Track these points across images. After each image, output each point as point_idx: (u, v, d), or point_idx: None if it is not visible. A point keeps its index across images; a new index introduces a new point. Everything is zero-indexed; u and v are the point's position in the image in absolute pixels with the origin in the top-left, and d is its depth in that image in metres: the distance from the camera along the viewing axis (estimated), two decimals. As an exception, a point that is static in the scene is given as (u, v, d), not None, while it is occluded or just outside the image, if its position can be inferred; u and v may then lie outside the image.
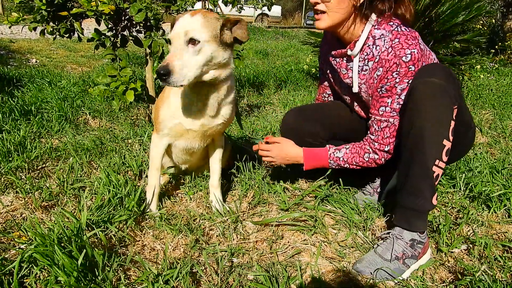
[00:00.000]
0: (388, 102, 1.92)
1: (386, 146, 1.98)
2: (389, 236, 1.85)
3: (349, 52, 2.04)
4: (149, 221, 2.04)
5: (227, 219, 2.04)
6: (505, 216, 2.25)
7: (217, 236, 1.96)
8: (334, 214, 2.18)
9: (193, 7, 4.14)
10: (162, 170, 2.34)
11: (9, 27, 3.58)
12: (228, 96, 1.98)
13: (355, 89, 2.10)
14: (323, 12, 1.95)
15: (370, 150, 2.03)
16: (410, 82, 1.83)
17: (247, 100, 5.11)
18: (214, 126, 2.03)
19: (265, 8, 7.23)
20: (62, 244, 1.51)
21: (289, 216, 2.06)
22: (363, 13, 1.94)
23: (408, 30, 1.89)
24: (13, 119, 3.32)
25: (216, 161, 2.25)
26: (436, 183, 1.77)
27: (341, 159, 2.10)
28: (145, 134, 3.18)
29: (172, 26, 1.77)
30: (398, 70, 1.84)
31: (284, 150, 2.24)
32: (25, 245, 1.64)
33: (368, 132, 2.06)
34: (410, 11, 1.98)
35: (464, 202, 2.33)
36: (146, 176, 2.53)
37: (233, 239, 1.93)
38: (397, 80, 1.86)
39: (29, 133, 3.04)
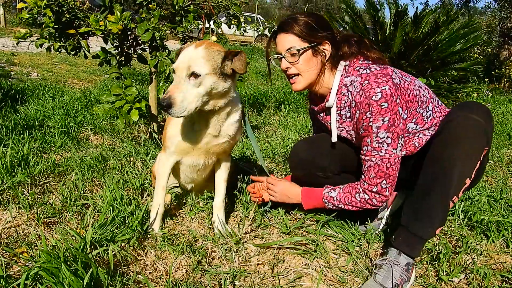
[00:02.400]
0: (368, 142, 1.92)
1: (374, 187, 1.94)
2: (386, 263, 1.87)
3: (327, 104, 2.10)
4: (151, 240, 2.04)
5: (229, 241, 2.05)
6: (503, 246, 2.27)
7: (219, 258, 1.97)
8: (335, 239, 2.20)
9: (197, 28, 4.21)
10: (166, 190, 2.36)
11: (17, 43, 3.63)
12: (230, 118, 2.06)
13: (334, 138, 2.15)
14: (296, 74, 2.04)
15: (360, 189, 2.00)
16: (385, 119, 1.83)
17: (251, 121, 5.16)
18: (218, 144, 2.09)
19: (266, 31, 7.34)
20: (68, 262, 1.52)
21: (290, 240, 2.08)
22: (332, 63, 2.03)
23: (378, 69, 1.92)
24: (16, 133, 3.33)
25: (221, 181, 2.28)
26: (447, 215, 1.83)
27: (335, 198, 2.08)
28: (147, 153, 3.20)
29: (177, 56, 1.88)
30: (370, 109, 1.85)
31: (286, 188, 2.28)
32: (30, 262, 1.64)
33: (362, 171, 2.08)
34: (374, 53, 2.06)
35: (464, 231, 2.35)
36: (148, 195, 2.55)
37: (235, 261, 1.94)
38: (371, 119, 1.86)
39: (32, 148, 3.05)
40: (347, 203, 2.05)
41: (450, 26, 5.84)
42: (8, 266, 1.68)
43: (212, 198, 2.33)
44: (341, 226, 2.28)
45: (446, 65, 5.79)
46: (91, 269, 1.47)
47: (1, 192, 2.35)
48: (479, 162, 1.80)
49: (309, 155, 2.30)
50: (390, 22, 5.81)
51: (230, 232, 2.13)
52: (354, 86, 1.95)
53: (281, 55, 2.01)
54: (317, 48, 1.98)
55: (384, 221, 2.36)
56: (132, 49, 3.55)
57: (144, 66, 3.92)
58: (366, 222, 2.36)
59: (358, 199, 2.01)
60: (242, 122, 2.24)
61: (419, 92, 1.98)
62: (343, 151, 2.31)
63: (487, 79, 9.82)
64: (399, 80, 1.91)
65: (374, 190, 1.95)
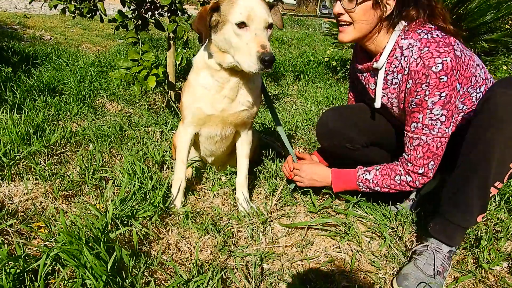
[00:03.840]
0: (419, 118, 1.74)
1: (420, 168, 1.79)
2: (427, 250, 1.75)
3: (374, 65, 1.89)
4: (174, 217, 1.95)
5: (255, 221, 1.95)
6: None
7: (245, 238, 1.87)
8: (365, 220, 2.08)
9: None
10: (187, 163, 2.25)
11: (30, 2, 3.48)
12: (250, 82, 1.91)
13: (377, 104, 1.95)
14: (347, 23, 1.80)
15: (402, 171, 1.85)
16: (442, 94, 1.66)
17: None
18: (236, 113, 1.95)
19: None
20: (90, 244, 1.42)
21: (320, 221, 1.97)
22: (391, 22, 1.77)
23: (441, 36, 1.69)
24: (31, 99, 3.23)
25: (243, 157, 2.15)
26: (488, 202, 1.68)
27: (371, 181, 1.94)
28: (165, 123, 3.09)
29: (224, 5, 1.69)
30: (427, 81, 1.66)
31: (314, 171, 2.12)
32: (50, 242, 1.55)
33: (403, 151, 1.89)
34: (444, 18, 1.79)
35: (501, 215, 2.22)
36: (168, 168, 2.45)
37: (262, 242, 1.84)
38: (427, 92, 1.67)
39: (47, 115, 2.95)
40: (385, 185, 1.90)
41: (482, -6, 5.50)
42: (26, 245, 1.59)
43: (235, 173, 2.21)
44: (371, 207, 2.16)
45: (475, 36, 5.48)
46: (114, 253, 1.38)
47: (17, 161, 2.26)
48: None
49: (337, 125, 2.16)
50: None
51: (255, 211, 2.02)
52: (411, 51, 1.73)
53: None
54: (379, 0, 1.72)
55: (415, 202, 2.24)
56: (149, 13, 3.37)
57: (158, 31, 3.74)
58: (397, 203, 2.24)
59: (399, 181, 1.87)
60: (263, 95, 2.10)
61: (476, 70, 1.78)
62: (374, 123, 2.17)
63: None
64: (461, 53, 1.70)
65: (420, 171, 1.80)
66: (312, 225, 1.97)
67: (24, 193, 2.00)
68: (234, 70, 1.81)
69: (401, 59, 1.78)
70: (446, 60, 1.62)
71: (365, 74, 2.04)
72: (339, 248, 1.86)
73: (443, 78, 1.63)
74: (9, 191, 2.02)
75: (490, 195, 1.64)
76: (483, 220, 2.18)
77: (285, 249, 1.83)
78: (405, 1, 1.75)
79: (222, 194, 2.24)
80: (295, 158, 2.28)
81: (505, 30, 6.17)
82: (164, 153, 2.56)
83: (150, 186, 1.98)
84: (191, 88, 1.95)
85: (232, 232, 1.88)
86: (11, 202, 1.94)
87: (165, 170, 2.45)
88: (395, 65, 1.82)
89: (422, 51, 1.68)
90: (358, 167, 2.01)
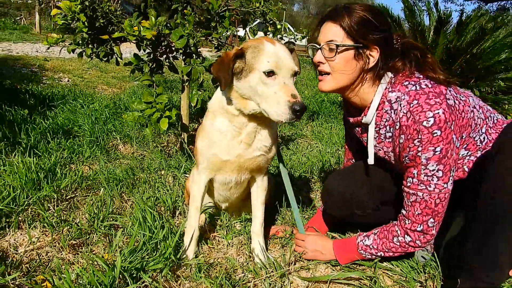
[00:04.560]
0: (414, 173, 1.64)
1: (419, 226, 1.67)
2: None
3: (363, 120, 1.80)
4: (186, 270, 1.83)
5: (273, 273, 1.82)
6: None
7: (262, 293, 1.74)
8: (391, 273, 1.93)
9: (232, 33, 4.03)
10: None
11: (48, 48, 3.53)
12: (267, 126, 1.85)
13: (371, 161, 1.84)
14: (327, 73, 1.72)
15: (399, 231, 1.74)
16: (437, 149, 1.55)
17: (279, 132, 4.93)
18: (252, 158, 1.87)
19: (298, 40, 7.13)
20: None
21: (343, 275, 1.83)
22: (375, 74, 1.70)
23: (430, 86, 1.61)
24: (44, 141, 3.20)
25: (259, 203, 2.05)
26: None
27: (371, 247, 1.82)
28: (178, 166, 3.02)
29: (249, 52, 1.66)
30: (419, 137, 1.56)
31: (317, 244, 1.99)
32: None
33: (402, 206, 1.78)
34: (434, 68, 1.69)
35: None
36: (180, 214, 2.35)
37: (280, 299, 1.70)
38: (419, 149, 1.57)
39: (59, 158, 2.90)
40: (386, 249, 1.79)
41: (496, 34, 5.48)
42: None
43: (250, 220, 2.11)
44: (398, 258, 2.01)
45: (491, 74, 5.42)
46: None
47: (25, 208, 2.18)
48: None
49: (344, 192, 2.03)
50: (431, 29, 5.49)
51: (273, 263, 1.89)
52: (400, 104, 1.64)
53: (319, 45, 1.72)
54: (362, 51, 1.66)
55: (442, 250, 2.08)
56: (164, 56, 3.39)
57: (172, 75, 3.76)
58: (424, 252, 2.09)
59: (398, 243, 1.74)
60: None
61: (473, 113, 1.69)
62: (381, 180, 2.04)
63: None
64: (454, 100, 1.61)
65: (419, 229, 1.68)
66: (335, 279, 1.82)
67: (30, 243, 1.91)
68: (253, 116, 1.75)
69: (391, 112, 1.70)
70: (438, 112, 1.53)
71: (357, 128, 1.96)
72: (364, 305, 1.71)
73: (436, 133, 1.54)
74: (14, 239, 1.94)
75: None
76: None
77: (305, 306, 1.69)
78: (390, 53, 1.69)
79: (237, 243, 2.12)
80: (301, 228, 2.16)
81: (522, 69, 6.10)
82: (176, 198, 2.47)
83: (161, 235, 1.88)
84: (206, 133, 1.88)
85: (248, 287, 1.74)
86: (16, 252, 1.85)
87: (177, 216, 2.35)
88: (386, 119, 1.73)
89: (411, 105, 1.59)
90: (358, 233, 1.90)
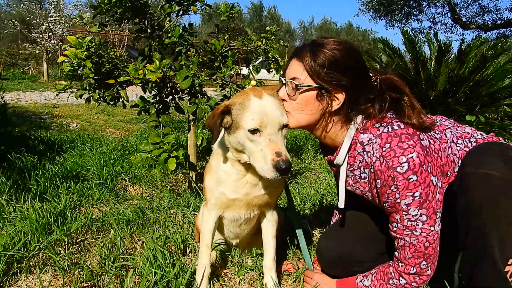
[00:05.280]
0: (397, 219, 1.59)
1: (412, 268, 1.62)
2: None
3: (335, 161, 1.76)
4: (198, 308, 1.81)
5: (286, 309, 1.79)
6: None
7: (276, 329, 1.71)
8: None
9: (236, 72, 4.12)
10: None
11: (56, 95, 3.63)
12: None
13: (341, 204, 1.81)
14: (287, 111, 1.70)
15: (394, 274, 1.68)
16: (416, 194, 1.50)
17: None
18: (260, 195, 1.88)
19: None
20: None
21: (358, 307, 1.79)
22: (344, 116, 1.66)
23: (403, 127, 1.56)
24: (54, 186, 3.24)
25: (269, 238, 2.04)
26: (511, 279, 1.51)
27: (369, 287, 1.77)
28: (187, 204, 3.02)
29: (235, 109, 1.65)
30: (395, 184, 1.51)
31: (323, 282, 1.96)
32: None
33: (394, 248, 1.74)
34: (410, 114, 1.61)
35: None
36: (190, 252, 2.34)
37: (295, 334, 1.67)
38: (397, 195, 1.52)
39: (69, 202, 2.93)
40: None
41: (497, 60, 5.56)
42: None
43: (261, 255, 2.09)
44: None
45: (496, 100, 5.45)
46: None
47: (36, 252, 2.19)
48: None
49: (340, 254, 1.98)
50: (433, 58, 5.58)
51: (286, 297, 1.87)
52: (372, 147, 1.59)
53: (284, 80, 1.70)
54: (325, 92, 1.61)
55: (457, 282, 2.03)
56: (170, 97, 3.47)
57: (179, 115, 3.82)
58: None
59: (394, 285, 1.68)
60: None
61: (451, 149, 1.66)
62: (374, 230, 1.99)
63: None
64: (428, 140, 1.58)
65: (412, 271, 1.63)
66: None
67: (43, 286, 1.91)
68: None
69: (364, 154, 1.65)
70: (412, 157, 1.49)
71: (332, 167, 1.94)
72: (382, 338, 1.67)
73: (412, 178, 1.49)
74: (26, 284, 1.94)
75: (509, 273, 1.48)
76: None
77: None
78: (359, 95, 1.64)
79: (249, 278, 2.10)
80: (311, 267, 2.13)
81: (526, 94, 6.14)
82: (186, 236, 2.47)
83: (172, 273, 1.87)
84: (213, 173, 1.91)
85: (261, 323, 1.72)
86: (28, 297, 1.85)
87: (188, 255, 2.34)
88: (360, 160, 1.69)
89: (384, 149, 1.54)
90: (358, 274, 1.85)
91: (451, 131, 1.71)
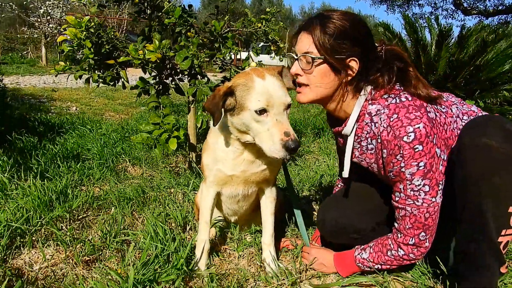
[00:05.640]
0: (400, 188, 1.62)
1: (411, 239, 1.66)
2: None
3: (343, 132, 1.78)
4: (198, 281, 1.85)
5: (284, 281, 1.83)
6: None
7: (274, 301, 1.75)
8: (402, 279, 1.93)
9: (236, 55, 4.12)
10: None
11: (55, 76, 3.64)
12: None
13: (345, 173, 1.82)
14: (305, 85, 1.72)
15: (393, 245, 1.73)
16: (420, 164, 1.53)
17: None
18: (257, 172, 1.91)
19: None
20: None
21: (353, 281, 1.83)
22: (355, 86, 1.68)
23: (410, 99, 1.59)
24: (55, 165, 3.27)
25: (268, 214, 2.07)
26: (504, 251, 1.57)
27: (368, 260, 1.81)
28: (187, 184, 3.06)
29: (239, 90, 1.65)
30: (401, 152, 1.54)
31: (321, 257, 1.99)
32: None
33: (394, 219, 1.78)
34: (416, 84, 1.65)
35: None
36: (190, 229, 2.38)
37: (292, 306, 1.71)
38: (402, 164, 1.56)
39: (70, 181, 2.96)
40: (382, 262, 1.78)
41: (498, 45, 5.54)
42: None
43: (260, 232, 2.12)
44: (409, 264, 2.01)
45: (495, 85, 5.45)
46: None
47: (39, 228, 2.22)
48: None
49: (339, 221, 2.01)
50: (433, 43, 5.57)
51: (284, 271, 1.91)
52: (380, 118, 1.62)
53: (296, 55, 1.70)
54: (340, 63, 1.62)
55: (451, 258, 2.07)
56: (170, 78, 3.47)
57: (179, 97, 3.84)
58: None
59: (392, 257, 1.74)
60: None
61: (456, 123, 1.66)
62: (374, 200, 2.02)
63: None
64: (435, 112, 1.60)
65: (411, 242, 1.67)
66: (345, 285, 1.83)
67: (44, 260, 1.95)
68: (250, 143, 1.77)
69: (372, 125, 1.67)
70: (419, 127, 1.51)
71: (339, 138, 1.96)
72: (377, 309, 1.71)
73: (417, 148, 1.52)
74: (29, 258, 1.97)
75: (502, 244, 1.53)
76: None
77: (318, 312, 1.70)
78: (371, 63, 1.66)
79: (248, 254, 2.14)
80: (307, 243, 2.17)
81: (526, 79, 6.13)
82: (186, 214, 2.50)
83: (172, 248, 1.91)
84: (210, 151, 1.94)
85: (260, 295, 1.76)
86: (31, 269, 1.89)
87: (188, 231, 2.38)
88: (367, 131, 1.71)
89: (391, 119, 1.57)
90: (356, 246, 1.89)
91: (457, 107, 1.73)
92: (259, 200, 2.10)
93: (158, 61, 3.06)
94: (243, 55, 4.14)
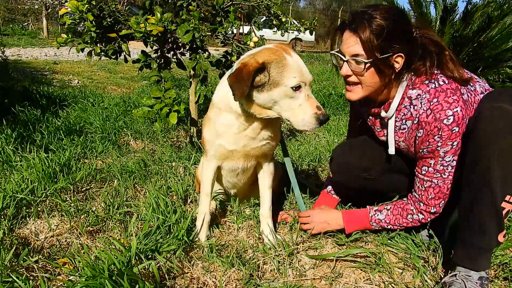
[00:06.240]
0: (430, 163, 1.76)
1: (433, 208, 1.82)
2: (456, 279, 1.66)
3: (383, 114, 1.87)
4: (198, 251, 1.91)
5: (281, 252, 1.89)
6: None
7: (271, 271, 1.81)
8: (396, 251, 1.99)
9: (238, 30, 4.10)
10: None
11: (57, 48, 3.63)
12: (272, 121, 1.89)
13: (391, 151, 1.92)
14: (356, 83, 1.79)
15: (414, 210, 1.87)
16: (454, 143, 1.67)
17: (288, 125, 4.99)
18: (258, 147, 1.94)
19: (302, 33, 7.16)
20: (113, 278, 1.40)
21: (349, 252, 1.89)
22: (398, 77, 1.76)
23: (447, 83, 1.69)
24: (58, 138, 3.31)
25: (266, 188, 2.12)
26: (505, 219, 1.62)
27: (383, 221, 1.95)
28: (189, 158, 3.10)
29: (273, 67, 1.66)
30: (440, 134, 1.67)
31: (324, 215, 2.07)
32: (74, 276, 1.54)
33: (413, 189, 1.90)
34: (451, 67, 1.73)
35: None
36: (191, 202, 2.44)
37: (289, 275, 1.78)
38: (439, 144, 1.69)
39: (73, 153, 3.01)
40: (397, 224, 1.93)
41: (502, 22, 5.47)
42: (51, 280, 1.58)
43: (259, 205, 2.18)
44: (402, 236, 2.07)
45: (499, 62, 5.41)
46: (137, 286, 1.35)
47: (43, 199, 2.28)
48: None
49: (351, 158, 2.15)
50: (438, 19, 5.50)
51: (281, 243, 1.97)
52: (420, 101, 1.73)
53: (345, 57, 1.75)
54: (387, 61, 1.68)
55: (447, 232, 2.13)
56: (171, 52, 3.47)
57: (181, 71, 3.84)
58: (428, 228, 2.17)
59: (411, 220, 1.89)
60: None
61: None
62: (384, 153, 2.09)
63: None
64: (467, 94, 1.71)
65: (433, 211, 1.84)
66: (341, 257, 1.89)
67: (50, 230, 2.01)
68: (261, 118, 1.81)
69: (410, 108, 1.78)
70: (457, 110, 1.63)
71: (371, 117, 2.04)
72: (370, 280, 1.78)
73: (455, 129, 1.65)
74: (35, 228, 2.04)
75: (504, 211, 1.58)
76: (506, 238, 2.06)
77: (313, 282, 1.76)
78: (413, 56, 1.72)
79: (247, 226, 2.20)
80: (302, 205, 2.23)
81: (529, 56, 6.08)
82: (187, 187, 2.56)
83: (174, 219, 1.97)
84: (212, 125, 1.94)
85: (258, 265, 1.82)
86: (37, 239, 1.95)
87: (189, 204, 2.43)
88: (404, 113, 1.82)
89: (432, 103, 1.68)
90: (368, 207, 2.01)
91: (479, 85, 1.81)
92: (257, 175, 2.15)
93: (160, 35, 3.06)
94: (245, 29, 4.11)
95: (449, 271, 1.77)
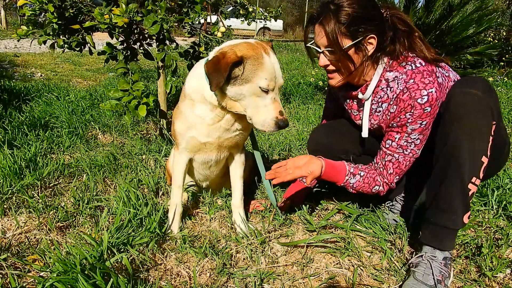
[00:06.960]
0: (395, 137, 1.87)
1: (391, 183, 1.96)
2: (423, 260, 1.73)
3: (360, 96, 1.96)
4: (171, 243, 1.92)
5: (254, 241, 1.93)
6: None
7: (244, 259, 1.84)
8: (364, 235, 2.06)
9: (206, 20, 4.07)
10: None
11: (18, 40, 3.51)
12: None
13: (365, 134, 2.01)
14: (335, 71, 1.89)
15: (380, 182, 1.96)
16: (423, 123, 1.77)
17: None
18: (231, 137, 1.95)
19: (269, 21, 7.15)
20: (85, 272, 1.40)
21: (318, 238, 1.95)
22: (374, 58, 1.84)
23: (424, 64, 1.77)
24: (22, 133, 3.22)
25: (237, 178, 2.14)
26: (470, 200, 1.69)
27: (351, 185, 1.96)
28: (159, 150, 3.08)
29: (249, 63, 1.64)
30: (412, 111, 1.77)
31: (300, 159, 1.96)
32: (45, 272, 1.52)
33: (374, 160, 2.01)
34: (421, 48, 1.82)
35: (500, 222, 2.21)
36: (163, 194, 2.43)
37: (262, 263, 1.81)
38: (410, 120, 1.79)
39: (39, 149, 2.93)
40: (361, 191, 2.00)
41: (463, 10, 5.65)
42: (21, 277, 1.56)
43: (231, 195, 2.20)
44: (369, 220, 2.15)
45: (460, 49, 5.61)
46: (111, 279, 1.35)
47: (9, 196, 2.23)
48: (491, 138, 1.62)
49: (329, 140, 2.24)
50: (401, 7, 5.63)
51: (253, 231, 2.00)
52: (397, 82, 1.82)
53: (320, 49, 1.84)
54: (360, 44, 1.76)
55: (413, 214, 2.22)
56: (138, 43, 3.42)
57: (148, 62, 3.80)
58: (391, 207, 2.30)
59: (375, 191, 1.99)
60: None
61: None
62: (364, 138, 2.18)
63: (502, 63, 9.53)
64: (442, 78, 1.79)
65: (392, 185, 1.96)
66: (312, 243, 1.95)
67: (17, 227, 1.97)
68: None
69: (387, 90, 1.87)
70: (432, 91, 1.71)
71: (348, 101, 2.11)
72: (340, 264, 1.84)
73: (427, 109, 1.74)
74: (2, 225, 1.99)
75: (470, 192, 1.65)
76: (477, 225, 2.17)
77: (286, 268, 1.81)
78: (383, 37, 1.79)
79: (219, 217, 2.22)
80: (272, 197, 2.20)
81: (488, 43, 6.34)
82: (159, 180, 2.55)
83: (145, 212, 1.97)
84: (184, 117, 1.92)
85: (230, 254, 1.85)
86: (4, 236, 1.91)
87: (160, 197, 2.43)
88: (380, 96, 1.91)
89: (408, 83, 1.77)
90: (346, 166, 1.96)
91: (453, 74, 1.90)
92: (228, 166, 2.16)
93: (126, 26, 3.00)
94: (213, 18, 4.09)
95: (415, 253, 1.85)
